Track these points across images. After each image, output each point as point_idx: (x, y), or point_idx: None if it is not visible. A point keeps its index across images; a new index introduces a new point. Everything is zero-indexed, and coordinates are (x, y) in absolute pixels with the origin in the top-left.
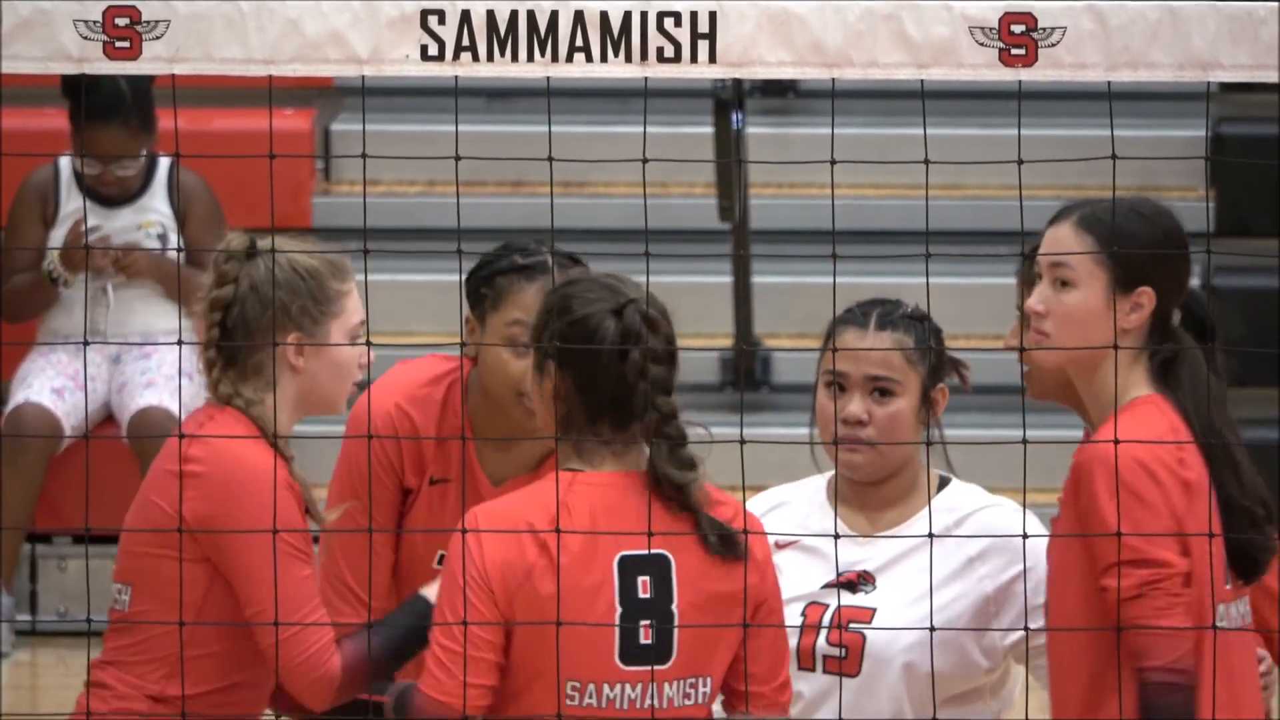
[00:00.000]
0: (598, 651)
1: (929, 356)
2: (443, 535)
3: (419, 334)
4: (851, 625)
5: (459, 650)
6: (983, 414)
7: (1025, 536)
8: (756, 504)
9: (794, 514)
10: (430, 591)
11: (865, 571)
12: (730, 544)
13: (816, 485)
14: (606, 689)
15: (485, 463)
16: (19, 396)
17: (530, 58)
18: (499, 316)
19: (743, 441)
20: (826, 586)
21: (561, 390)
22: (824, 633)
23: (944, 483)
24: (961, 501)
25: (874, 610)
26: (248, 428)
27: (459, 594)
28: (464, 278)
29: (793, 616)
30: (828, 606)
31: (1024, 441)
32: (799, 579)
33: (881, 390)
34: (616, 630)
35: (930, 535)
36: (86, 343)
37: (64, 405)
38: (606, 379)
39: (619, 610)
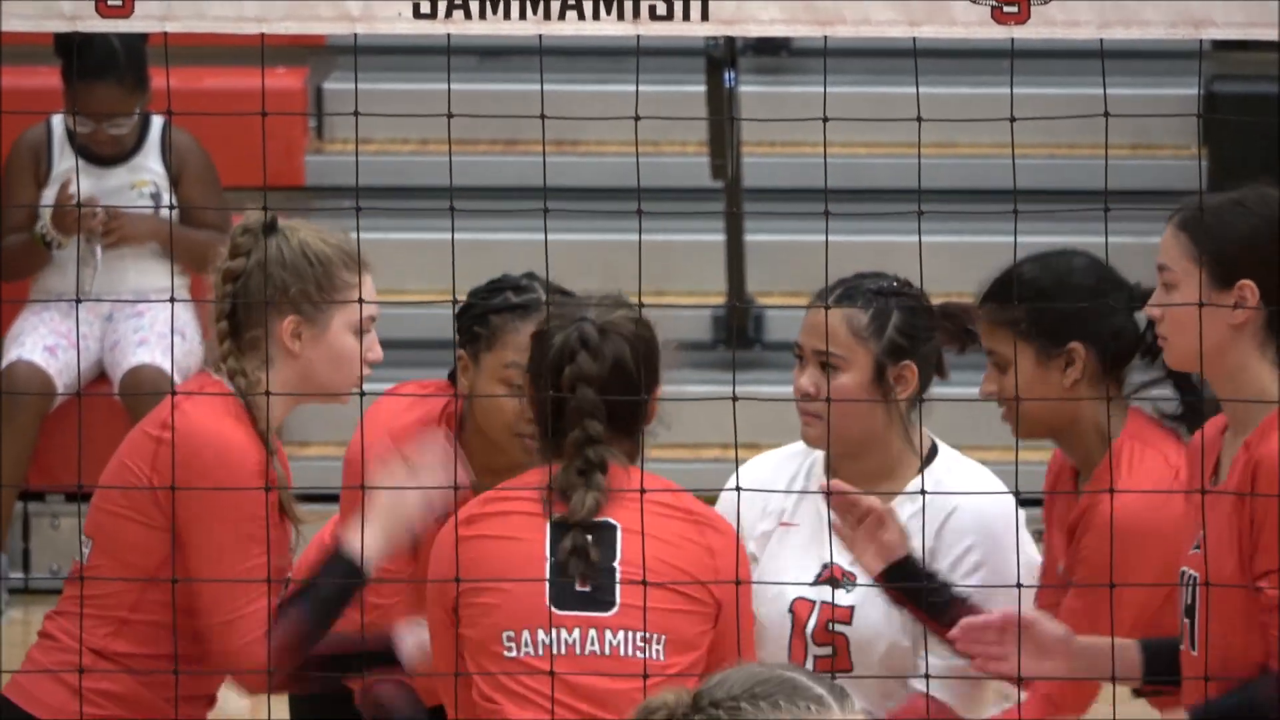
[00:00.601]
0: (529, 594)
1: (884, 333)
2: None
3: (411, 292)
4: (833, 626)
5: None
6: (974, 373)
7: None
8: (754, 469)
9: (790, 487)
10: (351, 542)
11: (847, 571)
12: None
13: (815, 458)
14: (541, 634)
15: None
16: (12, 354)
17: (522, 15)
18: (494, 357)
19: (735, 399)
20: (816, 583)
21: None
22: (810, 634)
23: (933, 454)
24: (947, 479)
25: (852, 608)
26: (235, 406)
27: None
28: (463, 237)
29: (782, 606)
30: (814, 605)
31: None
32: (796, 565)
33: (824, 364)
34: (547, 571)
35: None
36: (79, 300)
37: (57, 363)
38: (545, 395)
39: (548, 560)
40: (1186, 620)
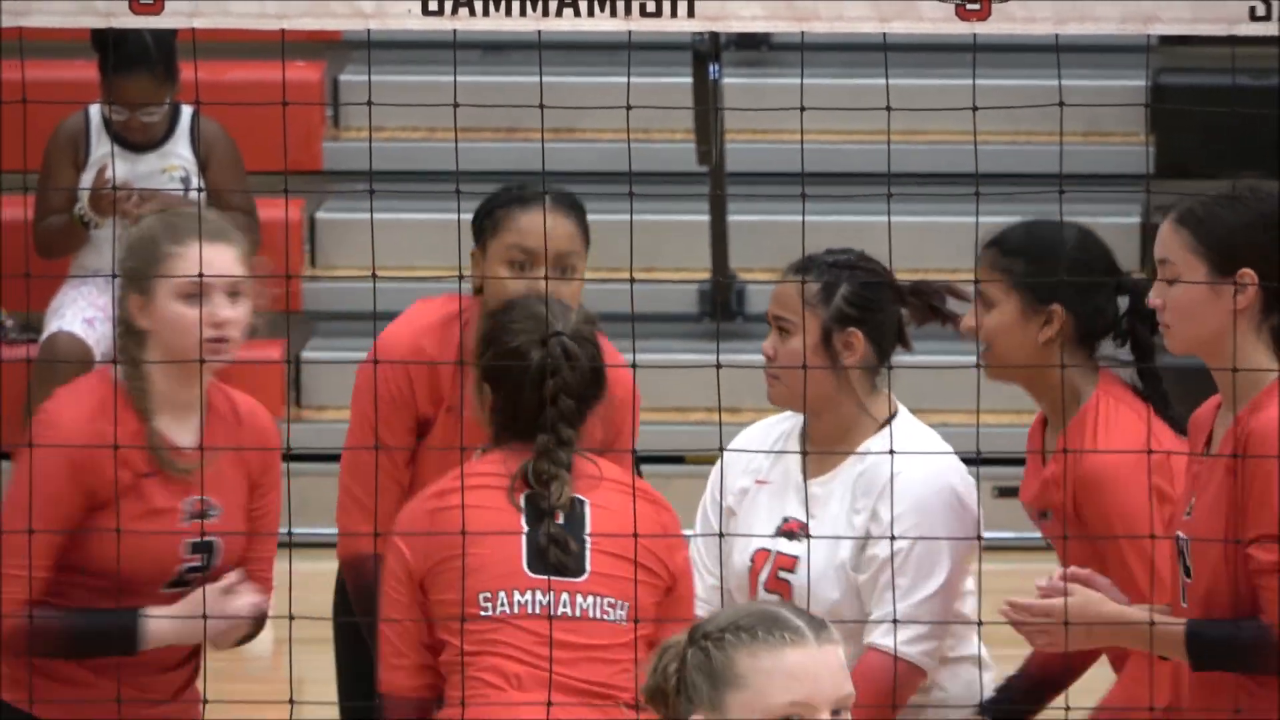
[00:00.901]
0: (506, 559)
1: (832, 301)
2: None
3: (420, 268)
4: (780, 574)
5: (397, 644)
6: (942, 342)
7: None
8: (747, 434)
9: (771, 448)
10: (155, 623)
11: (804, 524)
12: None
13: (797, 422)
14: (516, 594)
15: None
16: (53, 325)
17: (523, 12)
18: (498, 241)
19: (719, 366)
20: (776, 534)
21: (495, 405)
22: (762, 582)
23: (893, 418)
24: (900, 443)
25: (797, 558)
26: (113, 389)
27: (392, 588)
28: (468, 217)
29: (746, 557)
30: (769, 554)
31: (978, 366)
32: (763, 518)
33: (780, 328)
34: (523, 541)
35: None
36: (115, 276)
37: (94, 334)
38: (526, 402)
39: (525, 529)
40: (1186, 580)
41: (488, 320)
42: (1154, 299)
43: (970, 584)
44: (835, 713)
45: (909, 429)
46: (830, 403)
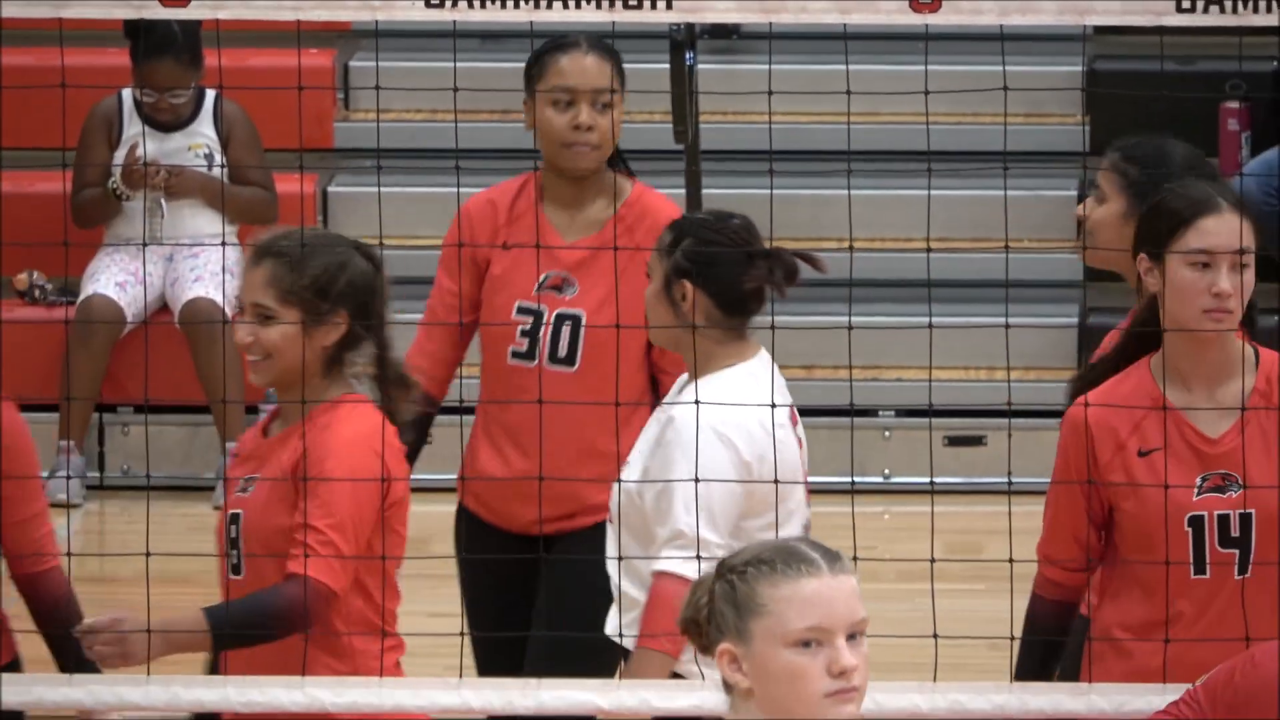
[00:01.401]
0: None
1: (673, 254)
2: (521, 287)
3: (424, 238)
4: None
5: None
6: (895, 304)
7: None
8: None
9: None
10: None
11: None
12: None
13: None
14: None
15: (556, 224)
16: (88, 289)
17: (517, 5)
18: (543, 84)
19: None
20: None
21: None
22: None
23: (718, 368)
24: (704, 391)
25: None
26: None
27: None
28: (468, 191)
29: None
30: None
31: (930, 326)
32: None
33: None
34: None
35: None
36: (145, 244)
37: (126, 297)
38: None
39: None
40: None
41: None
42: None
43: (768, 518)
44: (850, 636)
45: (721, 383)
46: (675, 343)
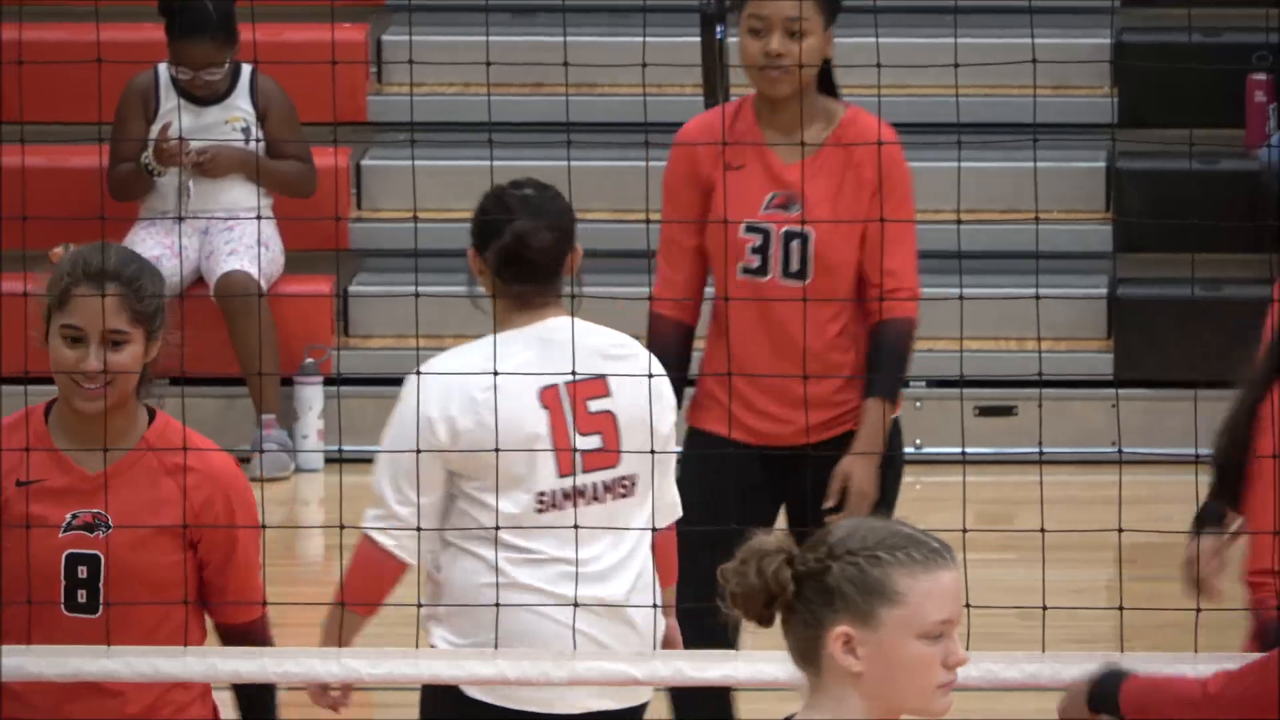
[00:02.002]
0: None
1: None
2: (748, 206)
3: (457, 210)
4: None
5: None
6: (926, 275)
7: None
8: None
9: None
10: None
11: None
12: None
13: None
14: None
15: (774, 146)
16: None
17: None
18: (742, 14)
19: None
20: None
21: None
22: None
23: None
24: (446, 356)
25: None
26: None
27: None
28: (500, 164)
29: None
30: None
31: (960, 298)
32: None
33: None
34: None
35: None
36: (180, 218)
37: (162, 270)
38: None
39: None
40: None
41: None
42: None
43: (488, 481)
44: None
45: (468, 346)
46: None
